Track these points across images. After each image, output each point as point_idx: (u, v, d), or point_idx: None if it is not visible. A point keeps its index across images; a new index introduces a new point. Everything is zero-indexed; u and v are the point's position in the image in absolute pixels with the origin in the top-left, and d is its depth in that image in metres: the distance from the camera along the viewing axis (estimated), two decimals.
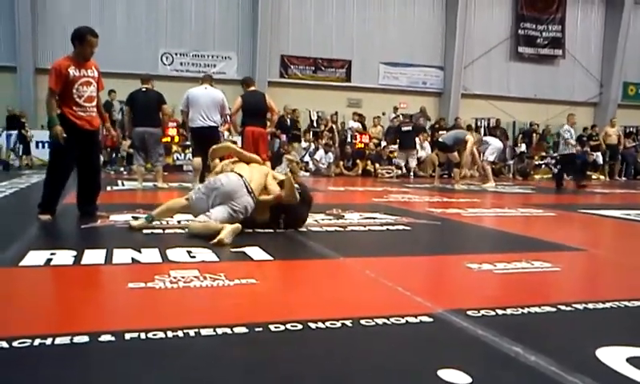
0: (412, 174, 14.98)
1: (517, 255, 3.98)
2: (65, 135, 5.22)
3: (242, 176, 4.85)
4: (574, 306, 2.75)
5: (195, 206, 4.77)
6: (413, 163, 15.05)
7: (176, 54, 18.35)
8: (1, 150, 15.16)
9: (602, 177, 17.57)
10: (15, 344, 2.06)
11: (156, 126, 9.23)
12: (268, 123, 9.47)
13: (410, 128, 15.51)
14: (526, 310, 2.66)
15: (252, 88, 9.30)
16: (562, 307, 2.72)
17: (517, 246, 4.76)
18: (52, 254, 3.69)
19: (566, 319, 2.61)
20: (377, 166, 15.77)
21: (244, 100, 8.96)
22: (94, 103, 5.48)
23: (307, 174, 14.95)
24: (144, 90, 9.20)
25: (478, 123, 19.86)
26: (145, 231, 4.75)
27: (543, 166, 18.01)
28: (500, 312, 2.62)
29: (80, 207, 5.60)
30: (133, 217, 5.26)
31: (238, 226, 4.39)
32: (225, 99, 8.83)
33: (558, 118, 20.98)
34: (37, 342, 2.09)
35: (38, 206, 5.35)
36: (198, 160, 9.09)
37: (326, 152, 15.88)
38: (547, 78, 21.84)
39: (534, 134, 19.08)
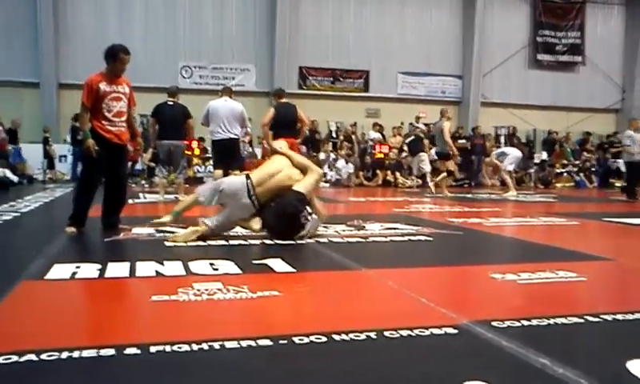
0: (427, 179, 14.85)
1: (541, 265, 3.94)
2: (97, 148, 5.40)
3: (249, 178, 5.16)
4: (602, 316, 2.71)
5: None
6: (426, 168, 14.82)
7: (195, 67, 18.51)
8: (26, 164, 15.37)
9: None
10: (43, 357, 2.08)
11: (181, 139, 9.30)
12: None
13: (412, 137, 15.52)
14: (552, 321, 2.63)
15: (284, 99, 9.28)
16: (590, 318, 2.68)
17: (541, 255, 4.70)
18: (77, 267, 3.73)
19: (594, 330, 2.57)
20: (397, 175, 15.73)
21: (277, 111, 9.00)
22: (124, 118, 5.65)
23: (327, 184, 14.95)
24: (170, 103, 9.26)
25: (498, 132, 19.73)
26: (167, 244, 4.79)
27: (565, 174, 17.82)
28: (525, 323, 2.59)
29: (103, 219, 5.72)
30: (154, 222, 5.51)
31: (197, 229, 4.91)
32: (244, 111, 8.88)
33: (579, 125, 20.81)
34: (64, 354, 2.11)
35: (68, 218, 5.48)
36: (219, 172, 9.14)
37: (347, 162, 15.89)
38: (567, 85, 21.62)
39: (555, 142, 18.87)
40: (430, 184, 12.15)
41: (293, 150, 9.10)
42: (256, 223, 5.16)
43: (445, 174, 12.19)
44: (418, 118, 17.62)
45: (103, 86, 5.45)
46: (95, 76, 5.54)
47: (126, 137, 5.74)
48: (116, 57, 5.54)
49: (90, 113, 5.46)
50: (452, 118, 12.82)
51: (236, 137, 8.77)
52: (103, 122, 5.49)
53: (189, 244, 4.81)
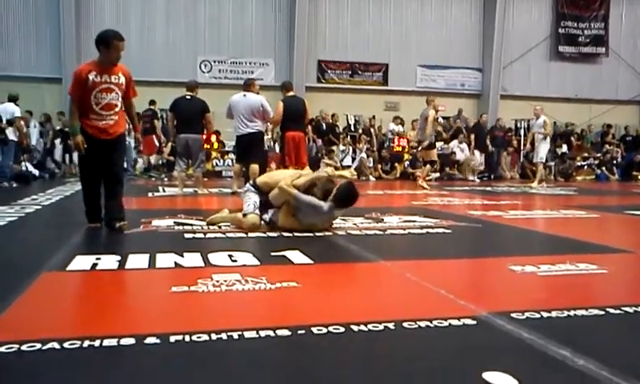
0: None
1: (561, 257, 3.90)
2: (86, 145, 5.11)
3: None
4: (623, 308, 2.68)
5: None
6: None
7: (214, 62, 18.58)
8: (46, 159, 15.55)
9: None
10: (66, 345, 2.12)
11: (198, 133, 9.33)
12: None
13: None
14: (572, 313, 2.60)
15: (291, 92, 9.34)
16: (611, 310, 2.66)
17: (560, 247, 4.66)
18: (97, 258, 3.78)
19: (615, 322, 2.55)
20: (418, 168, 15.67)
21: (285, 104, 9.01)
22: (114, 111, 5.15)
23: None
24: (188, 97, 9.30)
25: (518, 124, 19.53)
26: (186, 236, 4.83)
27: (585, 166, 17.60)
28: (545, 315, 2.57)
29: (105, 221, 5.29)
30: (175, 222, 5.41)
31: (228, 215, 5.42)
32: (264, 102, 8.83)
33: (601, 118, 20.51)
34: (86, 343, 2.14)
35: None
36: (237, 167, 9.20)
37: (368, 156, 15.88)
38: (589, 77, 21.30)
39: (574, 135, 18.66)
40: (421, 182, 11.77)
41: (303, 144, 9.17)
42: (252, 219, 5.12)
43: (428, 167, 12.11)
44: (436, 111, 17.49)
45: (92, 77, 4.99)
46: (85, 65, 5.15)
47: (118, 130, 5.23)
48: (109, 44, 5.03)
49: (80, 105, 5.07)
50: (438, 107, 12.62)
51: (256, 131, 8.77)
52: (91, 115, 5.06)
53: (207, 235, 4.85)
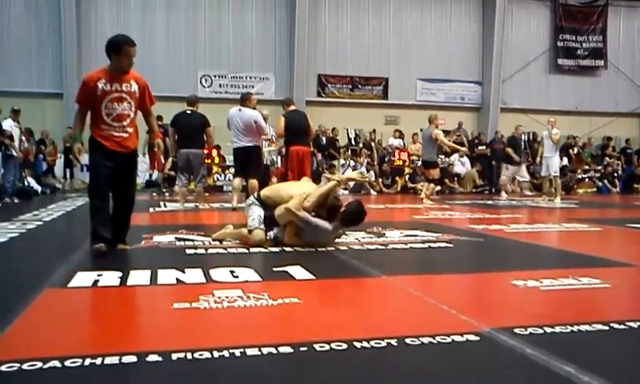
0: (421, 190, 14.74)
1: (563, 271, 3.89)
2: (78, 156, 4.90)
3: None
4: (627, 323, 2.67)
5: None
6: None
7: (215, 76, 18.66)
8: (48, 174, 15.59)
9: None
10: (67, 363, 2.11)
11: (199, 148, 9.35)
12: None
13: None
14: (575, 328, 2.59)
15: (292, 107, 9.36)
16: (615, 325, 2.64)
17: (563, 262, 4.65)
18: (99, 275, 3.77)
19: (620, 338, 2.53)
20: (418, 182, 15.70)
21: (287, 119, 9.03)
22: (127, 122, 4.78)
23: (346, 192, 14.94)
24: (188, 111, 9.33)
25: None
26: (188, 251, 4.82)
27: (586, 179, 17.59)
28: (548, 330, 2.56)
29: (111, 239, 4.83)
30: (177, 237, 5.39)
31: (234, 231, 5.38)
32: (258, 118, 8.84)
33: (601, 130, 20.54)
34: (87, 361, 2.13)
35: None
36: (237, 181, 9.21)
37: (368, 170, 15.89)
38: (589, 89, 21.37)
39: (573, 148, 18.57)
40: (424, 199, 11.67)
41: (308, 158, 9.17)
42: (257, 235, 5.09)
43: (432, 185, 12.08)
44: (436, 126, 17.50)
45: (102, 85, 4.64)
46: (95, 72, 4.78)
47: (131, 144, 4.87)
48: (120, 50, 4.70)
49: (90, 115, 4.74)
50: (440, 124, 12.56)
51: (251, 145, 8.80)
52: (102, 126, 4.70)
53: (209, 251, 4.85)
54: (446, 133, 17.29)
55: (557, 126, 12.59)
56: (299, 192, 5.14)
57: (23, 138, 12.58)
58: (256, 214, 5.18)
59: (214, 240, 5.34)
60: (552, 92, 21.15)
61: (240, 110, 8.84)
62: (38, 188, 13.18)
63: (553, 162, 12.69)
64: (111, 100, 4.69)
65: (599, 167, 18.12)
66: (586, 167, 18.10)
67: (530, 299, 3.30)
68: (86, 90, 4.69)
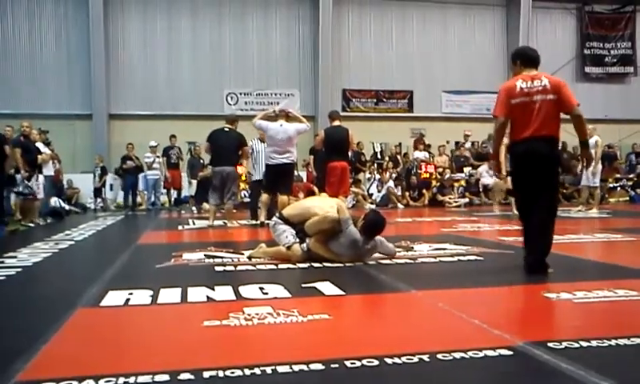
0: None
1: (597, 283, 3.81)
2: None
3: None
4: None
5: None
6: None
7: (240, 94, 18.85)
8: (78, 194, 15.86)
9: None
10: (101, 382, 2.13)
11: (234, 165, 9.44)
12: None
13: None
14: (613, 342, 2.53)
15: (336, 122, 9.28)
16: None
17: (597, 273, 4.56)
18: (130, 293, 3.81)
19: None
20: (446, 195, 15.61)
21: (327, 134, 9.05)
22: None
23: (373, 205, 14.89)
24: (226, 129, 9.43)
25: None
26: (217, 268, 4.85)
27: (618, 188, 17.24)
28: (584, 344, 2.51)
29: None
30: (206, 255, 5.44)
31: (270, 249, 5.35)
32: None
33: (631, 138, 20.15)
34: (121, 380, 2.15)
35: None
36: (265, 196, 9.23)
37: (396, 186, 15.83)
38: (617, 96, 21.01)
39: (615, 157, 18.15)
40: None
41: (347, 174, 9.19)
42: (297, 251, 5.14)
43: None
44: (467, 137, 17.43)
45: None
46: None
47: None
48: None
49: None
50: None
51: (288, 162, 8.96)
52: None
53: (238, 268, 4.87)
54: (473, 144, 17.20)
55: (597, 134, 11.99)
56: (322, 206, 5.19)
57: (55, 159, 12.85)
58: (288, 231, 5.19)
59: (249, 259, 5.35)
60: (580, 100, 20.13)
61: (281, 125, 8.91)
62: (67, 207, 13.42)
63: (596, 172, 12.15)
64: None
65: (632, 175, 17.73)
66: (618, 176, 17.73)
67: (563, 312, 3.24)
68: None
